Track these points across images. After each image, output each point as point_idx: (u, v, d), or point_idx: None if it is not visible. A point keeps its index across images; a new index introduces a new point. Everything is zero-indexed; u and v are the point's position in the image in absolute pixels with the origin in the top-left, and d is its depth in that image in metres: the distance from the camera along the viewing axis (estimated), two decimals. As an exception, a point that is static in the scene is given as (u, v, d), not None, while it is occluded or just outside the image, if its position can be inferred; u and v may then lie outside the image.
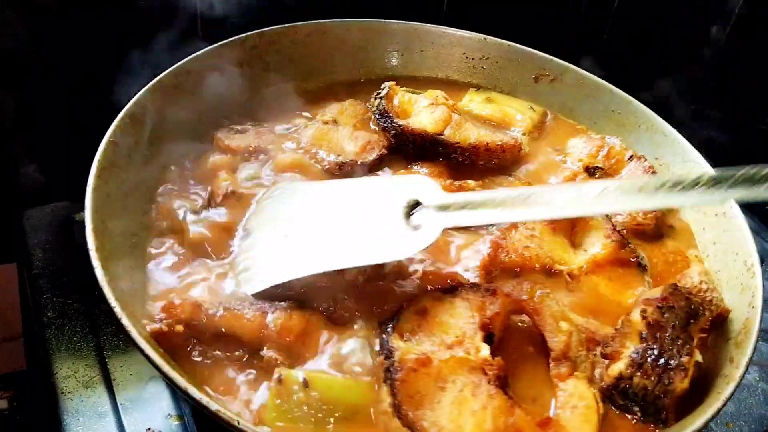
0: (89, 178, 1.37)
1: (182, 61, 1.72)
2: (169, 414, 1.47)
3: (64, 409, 1.46)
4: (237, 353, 1.27)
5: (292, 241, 1.42)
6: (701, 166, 1.71)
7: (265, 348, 1.25)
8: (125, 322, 1.14)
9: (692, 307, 1.31)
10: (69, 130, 1.90)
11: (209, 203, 1.54)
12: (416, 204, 1.39)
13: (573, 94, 2.01)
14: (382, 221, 1.38)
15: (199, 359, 1.26)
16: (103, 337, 1.61)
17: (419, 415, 1.13)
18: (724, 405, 1.17)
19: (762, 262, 2.08)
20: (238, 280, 1.39)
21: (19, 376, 2.45)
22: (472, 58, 2.10)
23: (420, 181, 1.46)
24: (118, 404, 1.48)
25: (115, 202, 1.43)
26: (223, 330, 1.27)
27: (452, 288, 1.34)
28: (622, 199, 1.19)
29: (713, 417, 1.15)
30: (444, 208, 1.35)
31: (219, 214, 1.51)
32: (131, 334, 1.13)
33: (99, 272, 1.21)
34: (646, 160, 1.74)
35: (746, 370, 1.24)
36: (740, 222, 1.55)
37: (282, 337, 1.26)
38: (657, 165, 1.81)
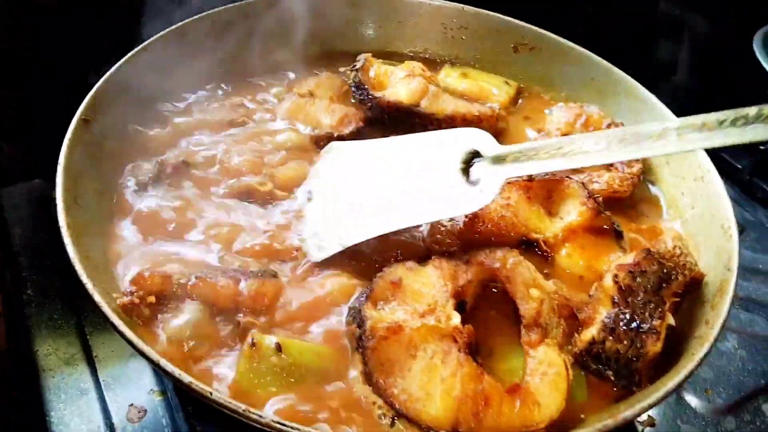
0: (60, 156, 1.37)
1: (155, 36, 1.71)
2: (151, 389, 1.47)
3: (45, 386, 1.47)
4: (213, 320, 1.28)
5: (353, 203, 1.44)
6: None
7: (241, 314, 1.27)
8: (97, 298, 1.14)
9: (665, 271, 1.31)
10: (45, 107, 1.88)
11: (158, 176, 1.54)
12: (473, 156, 1.37)
13: (552, 63, 1.99)
14: (440, 176, 1.37)
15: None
16: (84, 314, 1.61)
17: (390, 383, 1.15)
18: (698, 365, 1.18)
19: (742, 231, 2.10)
20: (308, 246, 1.43)
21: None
22: (451, 29, 2.09)
23: (474, 133, 1.41)
24: (101, 381, 1.48)
25: (87, 178, 1.43)
26: (197, 298, 1.28)
27: (426, 257, 1.35)
28: (684, 138, 1.15)
29: (687, 377, 1.16)
30: (500, 159, 1.33)
31: (164, 192, 1.52)
32: (103, 309, 1.14)
33: (71, 249, 1.21)
34: (624, 126, 1.73)
35: (721, 330, 1.25)
36: (718, 187, 1.55)
37: (257, 302, 1.28)
38: (636, 132, 1.81)
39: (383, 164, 1.48)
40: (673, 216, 1.67)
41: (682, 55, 2.83)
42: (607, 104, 1.88)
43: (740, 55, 2.41)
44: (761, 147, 2.25)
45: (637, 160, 1.66)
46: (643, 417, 1.51)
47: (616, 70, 1.88)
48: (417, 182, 1.40)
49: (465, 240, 1.46)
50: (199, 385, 1.04)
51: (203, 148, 1.65)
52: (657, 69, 2.54)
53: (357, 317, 1.22)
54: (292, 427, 1.00)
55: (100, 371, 1.50)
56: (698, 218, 1.57)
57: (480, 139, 1.38)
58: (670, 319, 1.27)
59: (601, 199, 1.54)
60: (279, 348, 1.19)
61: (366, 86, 1.80)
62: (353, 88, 1.81)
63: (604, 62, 1.91)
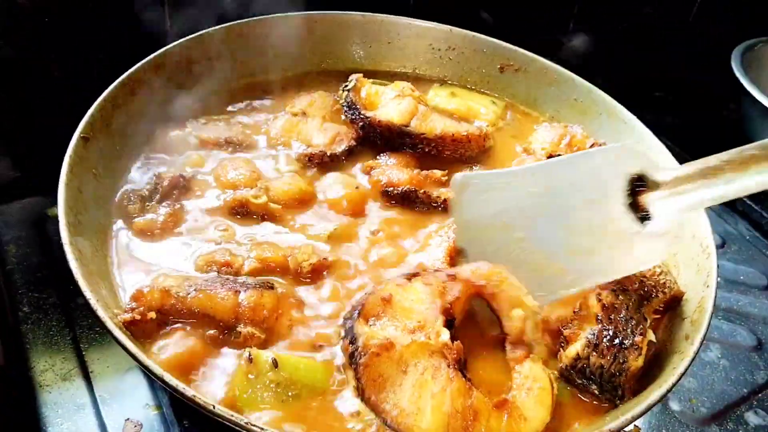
0: (61, 174, 1.40)
1: (151, 56, 1.74)
2: (147, 404, 1.49)
3: (42, 402, 1.48)
4: (211, 332, 1.32)
5: (523, 257, 1.36)
6: (662, 153, 1.75)
7: (241, 325, 1.31)
8: (101, 314, 1.17)
9: (645, 289, 1.39)
10: (40, 124, 1.90)
11: (154, 190, 1.57)
12: (636, 182, 1.17)
13: (537, 84, 2.05)
14: (605, 216, 1.18)
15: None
16: (80, 330, 1.63)
17: (382, 398, 1.19)
18: (678, 380, 1.23)
19: (723, 243, 2.15)
20: None
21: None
22: (438, 49, 2.13)
23: (633, 152, 1.20)
24: (97, 396, 1.50)
25: (88, 196, 1.46)
26: (197, 311, 1.32)
27: (415, 273, 1.37)
28: None
29: (668, 391, 1.21)
30: (677, 183, 1.12)
31: (161, 210, 1.55)
32: (107, 325, 1.17)
33: (74, 266, 1.23)
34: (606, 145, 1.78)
35: (700, 346, 1.30)
36: (697, 206, 1.60)
37: (256, 314, 1.32)
38: (618, 152, 1.86)
39: (538, 203, 1.33)
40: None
41: (661, 73, 2.89)
42: (589, 124, 1.93)
43: (719, 72, 2.48)
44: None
45: None
46: (630, 427, 1.55)
47: (598, 91, 1.93)
48: (582, 222, 1.24)
49: (453, 256, 1.50)
50: (201, 398, 1.08)
51: (199, 165, 1.71)
52: (638, 87, 2.59)
53: (350, 333, 1.26)
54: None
55: (96, 386, 1.52)
56: (679, 237, 1.61)
57: (643, 160, 1.17)
58: (651, 336, 1.33)
59: None
60: (275, 364, 1.23)
61: (357, 106, 1.83)
62: (345, 108, 1.85)
63: (586, 83, 1.97)
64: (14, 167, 1.99)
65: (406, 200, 1.66)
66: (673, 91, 2.75)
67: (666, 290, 1.42)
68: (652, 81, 2.81)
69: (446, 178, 1.71)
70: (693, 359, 1.27)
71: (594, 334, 1.30)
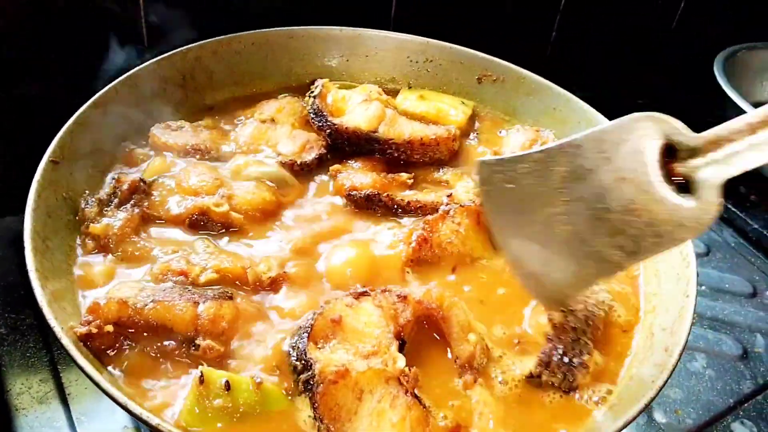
0: (28, 200, 1.38)
1: (124, 76, 1.73)
2: (125, 426, 1.47)
3: (18, 426, 1.46)
4: (169, 345, 1.28)
5: (555, 245, 1.22)
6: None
7: (200, 337, 1.27)
8: (65, 342, 1.16)
9: (589, 309, 1.41)
10: (15, 143, 1.89)
11: (113, 193, 1.53)
12: (667, 152, 1.04)
13: (515, 94, 2.03)
14: (641, 192, 1.04)
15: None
16: (57, 351, 1.61)
17: (339, 428, 1.15)
18: (656, 394, 1.21)
19: (708, 251, 2.14)
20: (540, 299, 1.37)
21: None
22: (416, 61, 2.12)
23: (658, 117, 1.05)
24: (74, 419, 1.48)
25: (57, 220, 1.45)
26: (154, 323, 1.28)
27: (363, 293, 1.34)
28: None
29: (646, 406, 1.20)
30: (720, 144, 0.99)
31: (118, 215, 1.50)
32: (71, 354, 1.15)
33: (38, 293, 1.22)
34: None
35: (680, 357, 1.29)
36: (677, 216, 1.59)
37: (215, 326, 1.28)
38: (598, 160, 1.85)
39: (569, 185, 1.17)
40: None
41: (644, 80, 2.89)
42: (568, 132, 1.90)
43: (701, 79, 2.48)
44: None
45: None
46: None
47: (576, 99, 1.92)
48: (616, 200, 1.09)
49: (411, 265, 1.50)
50: (166, 426, 1.06)
51: (162, 171, 1.66)
52: (619, 94, 2.59)
53: (302, 359, 1.22)
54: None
55: (73, 408, 1.50)
56: (658, 246, 1.60)
57: (666, 127, 1.04)
58: (598, 358, 1.37)
59: None
60: (227, 386, 1.18)
61: (324, 113, 1.81)
62: (312, 115, 1.83)
63: (564, 92, 1.95)
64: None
65: (370, 204, 1.63)
66: (657, 98, 2.75)
67: (605, 307, 1.46)
68: (635, 89, 2.81)
69: (411, 180, 1.71)
70: (672, 372, 1.25)
71: (545, 353, 1.32)
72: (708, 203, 0.98)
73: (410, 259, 1.49)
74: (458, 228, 1.52)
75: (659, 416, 1.65)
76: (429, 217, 1.54)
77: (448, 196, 1.61)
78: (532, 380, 1.32)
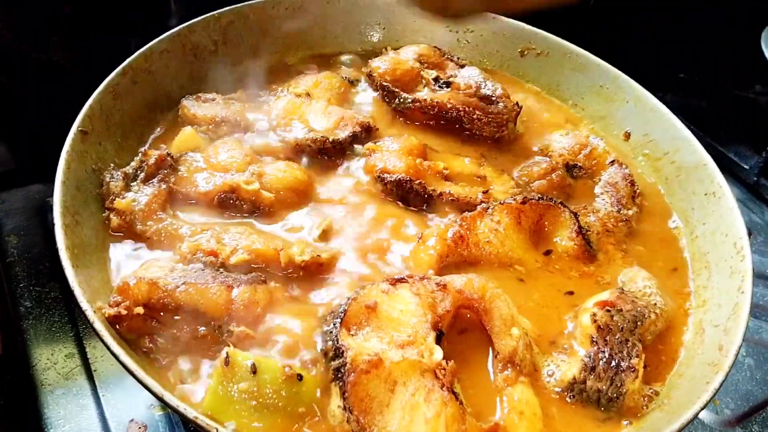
0: (57, 172, 1.33)
1: (152, 43, 1.66)
2: (152, 404, 1.43)
3: (44, 402, 1.44)
4: (202, 330, 1.23)
5: None
6: (691, 144, 1.68)
7: (233, 323, 1.21)
8: (98, 326, 1.12)
9: (638, 309, 1.32)
10: (41, 109, 1.85)
11: (139, 168, 1.46)
12: None
13: (559, 69, 1.96)
14: None
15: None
16: (83, 326, 1.58)
17: (369, 421, 1.08)
18: (712, 397, 1.16)
19: (749, 234, 2.07)
20: None
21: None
22: (456, 31, 2.04)
23: None
24: (100, 396, 1.45)
25: (87, 193, 1.39)
26: (186, 306, 1.22)
27: (401, 279, 1.26)
28: None
29: (702, 408, 1.14)
30: None
31: (145, 190, 1.44)
32: (103, 338, 1.11)
33: (69, 273, 1.17)
34: (626, 167, 1.70)
35: (736, 357, 1.23)
36: (730, 202, 1.52)
37: (250, 312, 1.23)
38: (645, 141, 1.79)
39: None
40: (684, 232, 1.64)
41: (686, 54, 2.80)
42: (614, 112, 1.85)
43: (745, 53, 2.38)
44: (768, 147, 2.22)
45: (634, 203, 1.63)
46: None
47: (625, 77, 1.84)
48: None
49: (444, 263, 1.41)
50: (204, 420, 1.02)
51: (191, 146, 1.60)
52: (661, 69, 2.50)
53: (335, 345, 1.15)
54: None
55: (99, 385, 1.47)
56: (709, 235, 1.54)
57: None
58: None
59: (590, 232, 1.52)
60: (254, 369, 1.11)
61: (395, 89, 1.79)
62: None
63: (613, 69, 1.87)
64: (15, 154, 1.93)
65: (400, 189, 1.56)
66: (698, 72, 2.66)
67: (657, 311, 1.36)
68: (675, 62, 2.71)
69: (447, 171, 1.62)
70: (728, 373, 1.19)
71: (590, 357, 1.24)
72: None
73: (443, 256, 1.41)
74: (497, 227, 1.44)
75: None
76: (467, 213, 1.46)
77: (483, 193, 1.54)
78: (576, 386, 1.23)
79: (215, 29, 1.81)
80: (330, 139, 1.64)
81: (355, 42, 2.03)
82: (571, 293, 1.42)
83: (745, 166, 2.27)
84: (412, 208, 1.55)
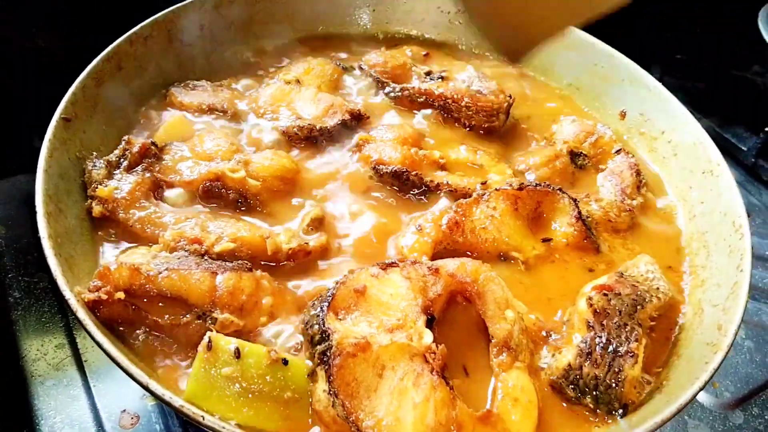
0: (39, 160, 1.30)
1: (136, 28, 1.63)
2: (144, 394, 1.42)
3: (35, 393, 1.43)
4: (183, 318, 1.19)
5: None
6: (687, 122, 1.65)
7: (218, 310, 1.18)
8: (81, 315, 1.10)
9: (638, 293, 1.28)
10: (26, 98, 1.82)
11: (122, 156, 1.43)
12: None
13: (554, 48, 1.90)
14: None
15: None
16: (73, 317, 1.54)
17: (355, 405, 1.06)
18: (711, 377, 1.14)
19: (748, 215, 2.05)
20: None
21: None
22: (447, 12, 2.01)
23: None
24: (91, 386, 1.44)
25: (69, 181, 1.37)
26: (168, 293, 1.19)
27: (392, 263, 1.24)
28: None
29: (701, 388, 1.12)
30: None
31: (128, 179, 1.40)
32: (88, 329, 1.09)
33: (52, 261, 1.16)
34: (633, 156, 1.68)
35: (735, 337, 1.20)
36: (728, 181, 1.50)
37: (234, 299, 1.20)
38: (642, 120, 1.77)
39: None
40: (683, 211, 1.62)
41: (683, 34, 2.78)
42: (611, 92, 1.83)
43: (745, 35, 2.36)
44: (767, 128, 2.20)
45: (638, 193, 1.60)
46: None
47: (620, 56, 1.82)
48: None
49: (438, 250, 1.38)
50: (190, 409, 1.00)
51: (176, 134, 1.57)
52: (659, 49, 2.47)
53: (321, 329, 1.13)
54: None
55: (90, 376, 1.46)
56: (708, 214, 1.52)
57: None
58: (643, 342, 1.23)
59: (590, 220, 1.50)
60: (237, 354, 1.09)
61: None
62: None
63: (608, 47, 1.85)
64: (1, 144, 1.91)
65: (396, 180, 1.53)
66: (696, 53, 2.63)
67: (660, 295, 1.32)
68: (673, 43, 2.69)
69: (444, 160, 1.59)
70: (727, 353, 1.17)
71: (586, 342, 1.21)
72: None
73: (437, 242, 1.38)
74: (493, 213, 1.41)
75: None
76: (462, 200, 1.43)
77: (482, 184, 1.51)
78: (571, 373, 1.19)
79: (201, 13, 1.78)
80: (318, 127, 1.61)
81: (345, 24, 2.00)
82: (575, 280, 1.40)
83: (743, 148, 2.25)
84: (407, 196, 1.53)
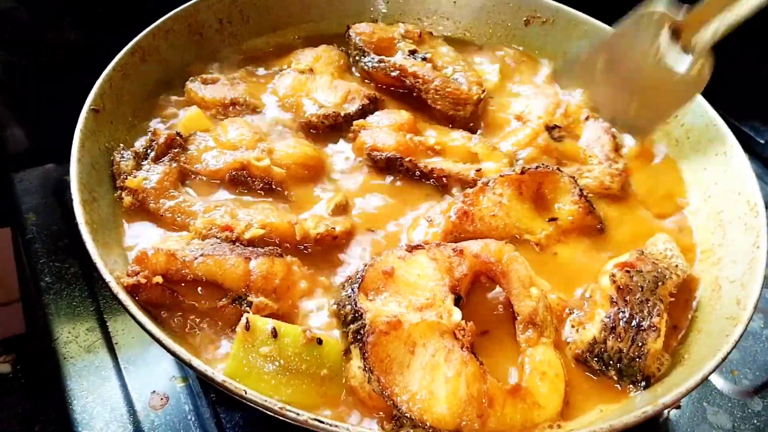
0: (72, 150, 1.34)
1: (158, 21, 1.66)
2: (173, 376, 1.46)
3: (66, 374, 1.46)
4: (220, 302, 1.23)
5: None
6: (699, 104, 1.68)
7: (252, 294, 1.22)
8: (122, 297, 1.13)
9: (659, 270, 1.31)
10: (55, 89, 1.85)
11: (150, 147, 1.47)
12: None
13: (566, 38, 1.93)
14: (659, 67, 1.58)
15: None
16: (103, 301, 1.60)
17: (390, 380, 1.09)
18: (733, 347, 1.17)
19: (765, 207, 2.07)
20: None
21: (18, 340, 2.45)
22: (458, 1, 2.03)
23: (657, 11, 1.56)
24: (121, 368, 1.47)
25: (102, 170, 1.41)
26: (204, 278, 1.22)
27: (417, 246, 1.28)
28: None
29: (723, 359, 1.15)
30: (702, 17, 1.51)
31: (156, 169, 1.44)
32: (130, 311, 1.13)
33: (91, 246, 1.19)
34: (602, 119, 1.70)
35: (754, 310, 1.24)
36: (741, 161, 1.53)
37: (268, 283, 1.23)
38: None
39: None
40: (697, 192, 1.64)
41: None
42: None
43: (756, 28, 2.35)
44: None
45: (619, 155, 1.64)
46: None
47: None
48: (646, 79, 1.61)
49: (450, 241, 1.39)
50: (232, 383, 1.03)
51: (199, 125, 1.60)
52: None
53: (353, 308, 1.17)
54: (330, 425, 0.98)
55: (121, 358, 1.49)
56: (723, 194, 1.54)
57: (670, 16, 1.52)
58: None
59: (590, 195, 1.53)
60: (274, 333, 1.14)
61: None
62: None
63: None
64: (30, 135, 1.94)
65: (391, 167, 1.56)
66: (713, 46, 2.63)
67: (679, 272, 1.35)
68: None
69: (439, 147, 1.61)
70: (747, 325, 1.20)
71: (610, 317, 1.24)
72: (701, 63, 1.47)
73: (447, 232, 1.41)
74: (500, 199, 1.43)
75: (715, 377, 1.59)
76: (469, 190, 1.46)
77: (476, 170, 1.53)
78: (596, 347, 1.23)
79: (220, 7, 1.81)
80: (342, 114, 1.64)
81: (362, 16, 2.01)
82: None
83: (761, 141, 2.26)
84: (425, 181, 1.56)
